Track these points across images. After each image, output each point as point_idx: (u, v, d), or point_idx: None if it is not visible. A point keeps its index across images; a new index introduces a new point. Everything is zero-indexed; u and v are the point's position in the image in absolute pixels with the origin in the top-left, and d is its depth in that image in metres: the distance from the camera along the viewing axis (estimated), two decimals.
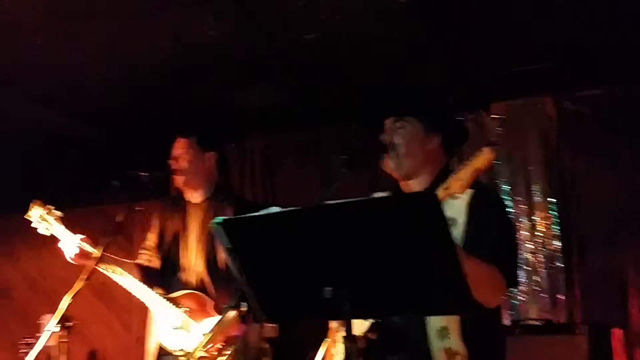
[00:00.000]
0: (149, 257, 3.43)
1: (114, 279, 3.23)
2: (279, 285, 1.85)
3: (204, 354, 3.12)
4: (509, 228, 2.38)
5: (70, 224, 4.65)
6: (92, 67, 3.86)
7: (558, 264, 4.17)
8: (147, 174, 3.24)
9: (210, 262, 3.27)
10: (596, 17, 3.55)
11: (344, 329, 2.27)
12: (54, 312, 4.73)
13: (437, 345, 2.13)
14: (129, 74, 3.95)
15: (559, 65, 4.05)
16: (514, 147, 4.37)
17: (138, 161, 3.37)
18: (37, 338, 4.50)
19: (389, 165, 2.39)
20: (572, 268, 4.16)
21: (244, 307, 2.05)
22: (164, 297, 3.25)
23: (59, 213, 3.31)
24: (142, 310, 3.35)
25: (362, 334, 2.24)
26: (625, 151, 4.15)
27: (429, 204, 1.58)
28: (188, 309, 3.22)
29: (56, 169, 5.24)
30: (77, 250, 3.13)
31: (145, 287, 3.24)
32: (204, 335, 3.05)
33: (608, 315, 3.97)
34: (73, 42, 3.53)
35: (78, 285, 2.93)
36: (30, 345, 4.32)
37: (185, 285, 3.29)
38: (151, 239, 3.46)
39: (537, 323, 3.88)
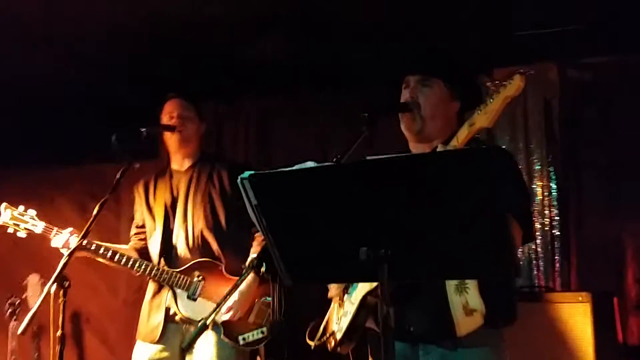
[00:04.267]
0: (143, 237, 3.38)
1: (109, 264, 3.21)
2: (309, 246, 1.75)
3: (226, 317, 3.08)
4: (524, 184, 2.35)
5: (72, 183, 4.46)
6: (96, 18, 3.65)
7: (555, 232, 4.15)
8: (147, 130, 3.13)
9: (214, 224, 3.21)
10: None
11: (369, 291, 2.24)
12: (37, 272, 4.62)
13: (455, 300, 2.09)
14: (128, 27, 3.76)
15: (564, 31, 3.96)
16: (515, 114, 4.30)
17: (137, 118, 3.23)
18: (24, 299, 4.41)
19: (411, 124, 2.31)
20: (569, 236, 4.15)
21: (263, 269, 1.95)
22: (176, 271, 3.18)
23: (33, 212, 3.23)
24: (129, 274, 3.30)
25: (372, 289, 2.19)
26: (626, 120, 4.11)
27: (502, 161, 1.49)
28: (203, 277, 3.16)
29: (57, 125, 5.00)
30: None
31: (154, 266, 3.17)
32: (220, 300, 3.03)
33: (603, 283, 3.97)
34: None
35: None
36: (17, 306, 4.23)
37: (189, 254, 3.23)
38: (139, 216, 3.40)
39: (532, 290, 3.89)
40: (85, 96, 4.70)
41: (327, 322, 2.46)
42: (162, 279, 3.18)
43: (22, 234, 3.24)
